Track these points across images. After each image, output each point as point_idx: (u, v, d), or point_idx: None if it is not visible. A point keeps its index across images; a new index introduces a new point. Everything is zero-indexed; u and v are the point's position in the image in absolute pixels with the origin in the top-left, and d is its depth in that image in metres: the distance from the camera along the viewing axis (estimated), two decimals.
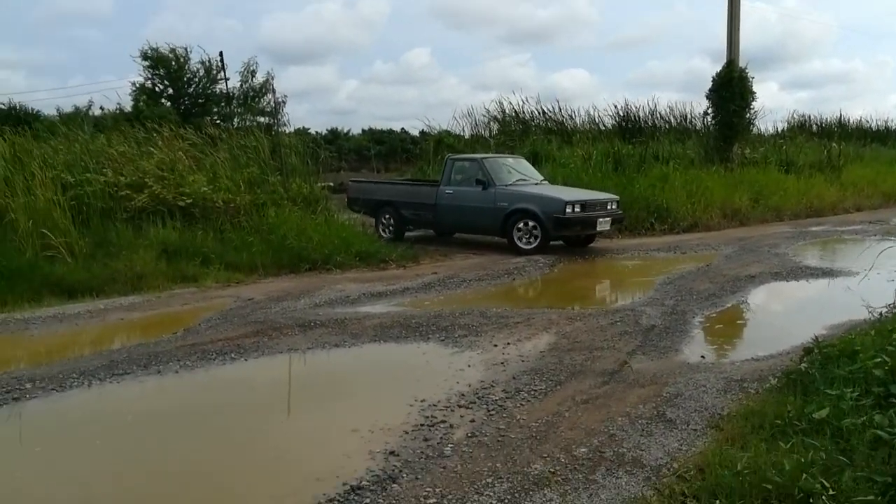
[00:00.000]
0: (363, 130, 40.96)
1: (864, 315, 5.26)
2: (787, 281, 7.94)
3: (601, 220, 9.91)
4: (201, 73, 23.43)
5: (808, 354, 4.34)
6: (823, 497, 2.57)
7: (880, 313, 5.19)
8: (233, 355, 5.09)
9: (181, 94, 23.80)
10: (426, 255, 10.04)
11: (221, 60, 18.96)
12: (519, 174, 10.78)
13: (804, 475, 2.79)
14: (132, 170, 10.02)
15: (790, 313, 6.78)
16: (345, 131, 40.27)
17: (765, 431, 3.35)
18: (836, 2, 72.41)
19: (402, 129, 39.15)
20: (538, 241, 9.72)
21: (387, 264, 9.30)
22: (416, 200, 11.18)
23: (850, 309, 5.74)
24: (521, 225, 9.84)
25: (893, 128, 31.66)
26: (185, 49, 23.52)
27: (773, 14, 61.54)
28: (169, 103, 23.81)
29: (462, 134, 20.83)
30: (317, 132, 38.90)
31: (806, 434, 3.25)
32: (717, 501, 2.71)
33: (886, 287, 6.11)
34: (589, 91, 56.76)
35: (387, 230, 11.54)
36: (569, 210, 9.49)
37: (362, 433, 3.66)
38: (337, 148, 42.57)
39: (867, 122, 30.54)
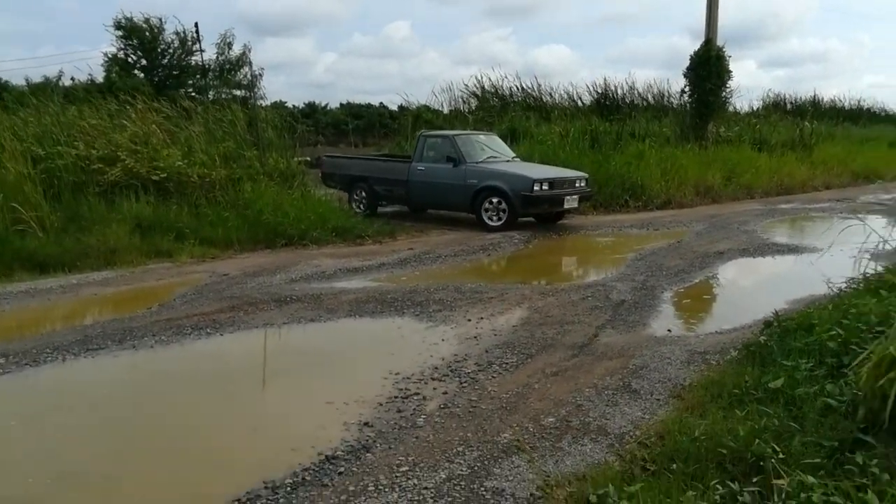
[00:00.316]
0: (341, 104, 40.60)
1: (825, 290, 5.46)
2: (754, 257, 8.15)
3: (569, 197, 10.01)
4: (176, 45, 22.95)
5: (768, 327, 4.51)
6: (773, 460, 2.71)
7: (839, 288, 5.38)
8: (208, 330, 5.13)
9: (155, 66, 23.27)
10: (402, 230, 10.08)
11: (197, 31, 18.63)
12: (491, 151, 10.83)
13: (757, 440, 2.93)
14: (104, 143, 9.86)
15: (755, 288, 6.98)
16: (323, 105, 39.86)
17: (723, 400, 3.51)
18: None
19: (381, 103, 38.85)
20: (505, 217, 9.81)
21: (363, 240, 9.34)
22: (389, 176, 11.22)
23: (812, 284, 5.93)
24: (489, 202, 9.92)
25: (865, 107, 32.33)
26: (160, 19, 22.99)
27: None
28: (142, 75, 23.30)
29: (441, 109, 20.79)
30: (294, 105, 38.44)
31: (761, 402, 3.41)
32: (675, 465, 2.84)
33: (847, 263, 6.29)
34: (570, 67, 56.82)
35: (360, 205, 11.56)
36: (536, 188, 9.57)
37: (337, 405, 3.75)
38: (314, 122, 42.15)
39: (840, 101, 31.10)
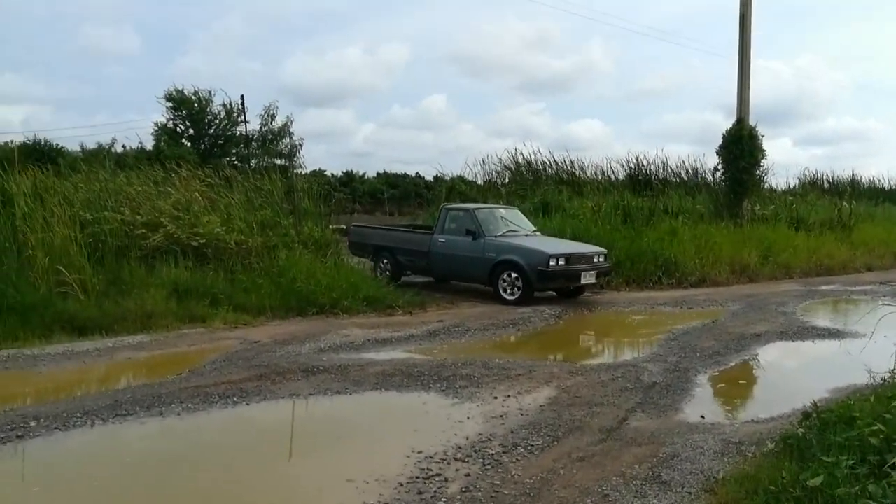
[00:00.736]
0: (378, 174, 41.67)
1: (867, 379, 5.26)
2: (793, 341, 7.91)
3: (585, 273, 10.04)
4: (222, 115, 24.11)
5: (807, 419, 4.33)
6: None
7: (883, 378, 5.17)
8: (235, 399, 5.15)
9: (202, 135, 24.39)
10: (433, 301, 10.11)
11: (242, 103, 19.57)
12: (511, 225, 10.96)
13: None
14: (149, 209, 10.27)
15: (793, 375, 6.74)
16: (360, 174, 40.99)
17: (759, 498, 3.35)
18: (849, 61, 73.38)
19: (417, 173, 39.76)
20: (520, 292, 9.85)
21: (393, 310, 9.38)
22: (412, 247, 11.44)
23: (853, 372, 5.71)
24: (505, 276, 10.00)
25: None
26: (209, 91, 24.25)
27: (787, 71, 62.45)
28: (189, 143, 24.40)
29: (476, 180, 21.13)
30: (332, 174, 39.61)
31: (799, 502, 3.25)
32: None
33: (890, 350, 6.08)
34: (603, 141, 57.61)
35: (384, 274, 11.68)
36: (552, 263, 9.63)
37: (357, 483, 3.69)
38: (352, 190, 43.26)
39: (880, 180, 30.69)
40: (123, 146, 22.27)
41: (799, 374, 6.76)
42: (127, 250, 9.45)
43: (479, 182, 20.91)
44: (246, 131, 22.37)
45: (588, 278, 10.11)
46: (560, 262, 9.74)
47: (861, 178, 29.50)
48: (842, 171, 37.21)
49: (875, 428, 3.78)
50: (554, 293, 10.60)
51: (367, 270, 11.10)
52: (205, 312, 8.21)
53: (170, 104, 23.48)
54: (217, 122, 24.27)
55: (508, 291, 9.97)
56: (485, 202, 16.38)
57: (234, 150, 24.54)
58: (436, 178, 25.00)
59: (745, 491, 3.44)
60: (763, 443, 4.24)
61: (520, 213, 12.12)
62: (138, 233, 9.74)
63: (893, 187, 30.84)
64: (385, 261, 11.80)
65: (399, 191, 41.68)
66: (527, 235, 10.85)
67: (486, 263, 10.18)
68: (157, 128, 23.80)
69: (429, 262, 11.13)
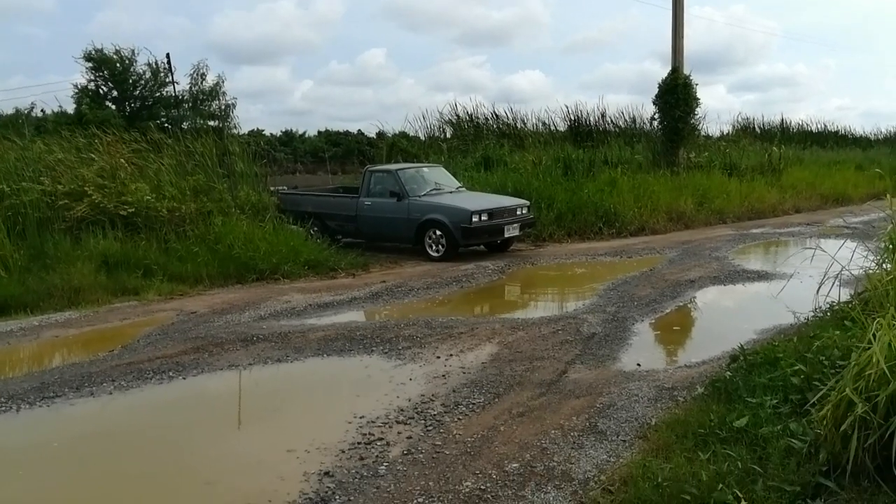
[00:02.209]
0: (319, 132, 40.64)
1: (791, 320, 5.50)
2: (725, 285, 8.21)
3: (509, 227, 10.22)
4: (148, 75, 22.90)
5: (734, 362, 4.52)
6: None
7: (806, 318, 5.42)
8: (170, 373, 5.01)
9: (126, 97, 23.16)
10: (376, 262, 10.04)
11: (168, 62, 18.57)
12: (435, 184, 10.97)
13: (720, 486, 2.91)
14: (71, 178, 9.75)
15: (725, 318, 7.00)
16: (300, 133, 39.87)
17: (688, 441, 3.48)
18: (780, 9, 75.01)
19: (359, 130, 38.98)
20: (444, 249, 9.99)
21: (336, 272, 9.27)
22: (340, 212, 11.33)
23: (780, 313, 5.95)
24: (431, 234, 10.09)
25: (832, 130, 33.11)
26: (132, 50, 22.91)
27: (721, 18, 63.39)
28: (114, 106, 23.15)
29: (418, 136, 20.85)
30: (271, 134, 38.43)
31: (725, 443, 3.39)
32: None
33: (814, 291, 6.36)
34: (545, 92, 57.45)
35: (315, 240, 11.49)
36: (475, 219, 9.75)
37: (298, 453, 3.65)
38: (293, 150, 42.12)
39: (808, 124, 31.83)
40: (43, 111, 20.96)
41: (730, 317, 7.02)
42: (50, 222, 8.99)
43: (422, 138, 20.69)
44: (174, 92, 21.39)
45: (512, 231, 10.30)
46: (483, 218, 9.86)
47: (790, 122, 30.57)
48: (773, 117, 38.49)
49: (796, 368, 3.97)
50: (484, 248, 10.74)
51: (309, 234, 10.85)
52: (137, 284, 7.92)
53: (90, 64, 22.12)
54: (143, 82, 23.05)
55: (433, 249, 10.09)
56: (427, 158, 16.22)
57: (163, 113, 23.42)
58: (378, 134, 24.57)
59: (675, 435, 3.56)
60: (694, 387, 4.40)
61: (444, 170, 12.14)
62: (61, 203, 9.27)
63: (821, 131, 32.11)
64: (315, 228, 11.57)
65: (341, 149, 40.84)
66: (451, 193, 10.86)
67: (411, 224, 10.27)
68: (77, 90, 22.46)
69: (357, 226, 11.11)
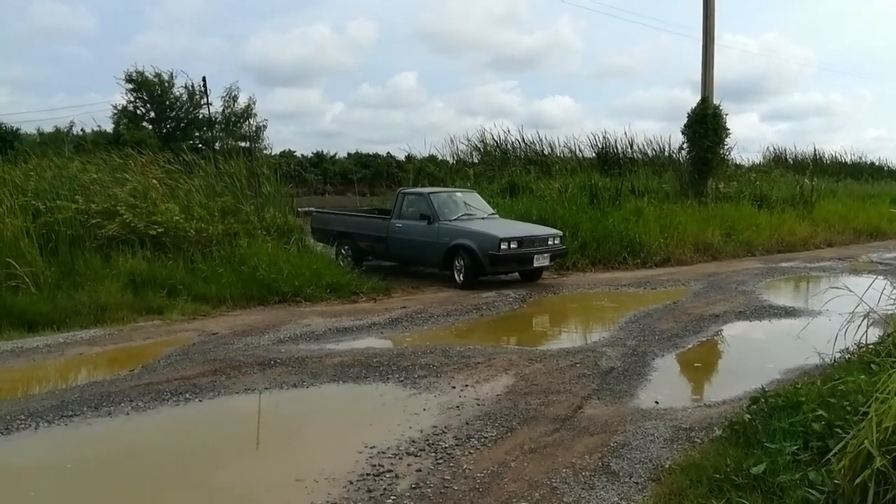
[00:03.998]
0: (349, 154, 41.20)
1: (817, 360, 5.35)
2: (750, 321, 8.04)
3: (539, 256, 10.04)
4: (184, 98, 23.51)
5: (755, 404, 4.40)
6: None
7: (833, 359, 5.27)
8: (187, 395, 5.06)
9: (163, 118, 23.80)
10: (398, 287, 10.06)
11: (204, 85, 19.07)
12: (467, 208, 10.91)
13: None
14: (105, 197, 10.01)
15: (749, 356, 6.84)
16: (331, 154, 40.47)
17: (703, 486, 3.39)
18: (814, 36, 74.30)
19: (388, 153, 39.43)
20: (468, 276, 9.83)
21: (357, 297, 9.32)
22: (371, 233, 11.36)
23: (806, 353, 5.78)
24: (459, 260, 9.96)
25: (868, 162, 32.45)
26: (170, 73, 23.59)
27: (754, 46, 62.97)
28: (150, 126, 23.80)
29: (446, 160, 20.98)
30: (303, 155, 39.07)
31: (741, 489, 3.29)
32: None
33: (841, 330, 6.19)
34: (574, 118, 57.61)
35: (345, 260, 11.57)
36: (503, 246, 9.59)
37: (307, 483, 3.65)
38: (322, 171, 42.74)
39: (842, 156, 31.28)
40: (82, 129, 21.63)
41: (754, 355, 6.85)
42: (81, 240, 9.21)
43: (451, 162, 20.81)
44: (209, 113, 21.88)
45: (541, 261, 10.12)
46: (512, 246, 9.70)
47: (823, 153, 30.12)
48: (806, 146, 37.92)
49: (818, 413, 3.85)
50: (517, 276, 10.62)
51: (330, 256, 10.96)
52: (162, 303, 8.04)
53: (130, 86, 22.83)
54: (179, 104, 23.66)
55: (461, 275, 9.98)
56: (453, 184, 16.30)
57: (197, 133, 23.99)
58: (407, 157, 24.83)
59: (689, 479, 3.47)
60: (712, 428, 4.30)
61: (478, 195, 12.08)
62: (93, 222, 9.51)
63: (855, 162, 31.52)
64: (346, 247, 11.69)
65: (370, 171, 41.30)
66: (482, 219, 10.73)
67: (440, 248, 10.17)
68: (116, 111, 23.17)
69: (387, 247, 11.09)
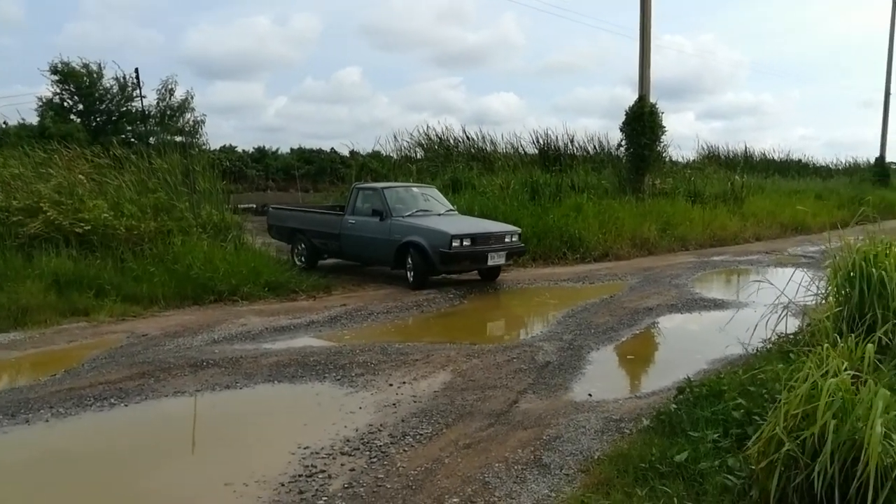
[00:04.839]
0: (292, 149, 40.44)
1: (741, 350, 5.57)
2: (682, 313, 8.31)
3: (494, 254, 9.58)
4: (115, 90, 22.56)
5: (681, 394, 4.55)
6: None
7: (756, 349, 5.50)
8: (112, 400, 4.87)
9: (92, 111, 22.76)
10: (339, 284, 9.95)
11: (137, 77, 18.27)
12: (423, 204, 10.52)
13: None
14: (27, 193, 9.55)
15: (679, 347, 7.06)
16: (273, 150, 39.64)
17: (629, 476, 3.48)
18: (748, 39, 77.27)
19: (332, 148, 38.88)
20: (418, 275, 9.48)
21: (297, 295, 9.17)
22: (325, 229, 11.00)
23: (732, 344, 6.00)
24: (412, 259, 9.56)
25: (794, 159, 34.10)
26: (99, 64, 22.56)
27: (690, 47, 65.03)
28: (79, 120, 22.73)
29: (390, 156, 20.86)
30: (244, 150, 38.12)
31: (665, 477, 3.40)
32: None
33: (765, 320, 6.46)
34: (518, 114, 57.96)
35: (301, 259, 11.35)
36: (455, 244, 9.13)
37: (236, 487, 3.57)
38: (265, 167, 41.82)
39: (771, 153, 32.76)
40: (6, 122, 20.47)
41: (684, 347, 7.07)
42: (1, 239, 8.78)
43: (396, 158, 20.70)
44: (142, 107, 21.05)
45: (497, 259, 9.69)
46: (465, 243, 9.26)
47: (754, 151, 31.48)
48: (737, 144, 39.54)
49: (738, 402, 4.01)
50: (478, 275, 10.31)
51: (270, 254, 10.72)
52: (89, 304, 7.72)
53: (56, 77, 21.72)
54: (109, 96, 22.68)
55: (412, 274, 9.62)
56: (395, 179, 16.22)
57: (129, 128, 23.05)
58: (351, 153, 24.56)
59: (616, 469, 3.56)
60: (640, 419, 4.42)
61: (437, 191, 11.66)
62: (14, 219, 9.07)
63: (783, 159, 33.05)
64: (301, 244, 11.37)
65: (314, 167, 40.69)
66: (439, 216, 10.28)
67: (391, 245, 9.73)
68: (41, 103, 22.00)
69: (340, 245, 10.72)
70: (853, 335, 3.50)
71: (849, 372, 2.96)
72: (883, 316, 4.80)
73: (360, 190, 10.93)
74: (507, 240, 9.94)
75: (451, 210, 10.91)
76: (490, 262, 9.68)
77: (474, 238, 9.45)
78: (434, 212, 10.43)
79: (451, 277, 10.40)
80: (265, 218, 12.86)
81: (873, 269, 4.71)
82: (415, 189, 11.35)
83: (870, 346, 3.08)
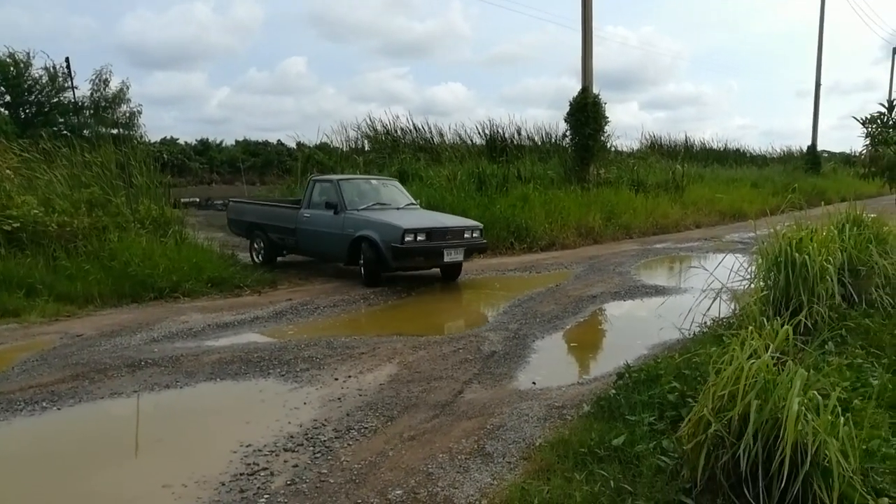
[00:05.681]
0: (237, 141, 39.61)
1: (678, 335, 5.75)
2: (625, 300, 8.53)
3: (451, 250, 9.12)
4: (45, 80, 21.55)
5: (620, 379, 4.68)
6: None
7: (692, 333, 5.69)
8: (44, 404, 4.69)
9: (20, 102, 21.71)
10: (285, 279, 9.82)
11: (68, 66, 17.44)
12: (382, 197, 10.17)
13: None
14: None
15: (620, 334, 7.25)
16: (217, 142, 38.73)
17: (569, 461, 3.56)
18: (687, 31, 79.39)
19: (279, 140, 38.23)
20: (371, 271, 9.14)
21: (241, 290, 9.01)
22: (281, 224, 10.61)
23: (670, 329, 6.19)
24: (362, 254, 9.20)
25: (732, 148, 35.37)
26: (28, 53, 21.51)
27: (632, 39, 66.39)
28: (6, 111, 21.67)
29: (339, 148, 20.59)
30: (186, 142, 37.07)
31: (603, 461, 3.50)
32: None
33: (702, 305, 6.69)
34: (467, 105, 58.38)
35: (258, 255, 11.07)
36: (408, 238, 8.69)
37: (174, 488, 3.49)
38: (209, 159, 40.75)
39: (711, 143, 33.88)
40: None
41: (625, 333, 7.26)
42: None
43: (344, 149, 20.46)
44: (74, 98, 20.16)
45: (454, 255, 9.18)
46: (419, 238, 8.81)
47: (694, 140, 32.48)
48: (679, 134, 40.69)
49: (673, 385, 4.16)
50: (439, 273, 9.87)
51: (214, 249, 10.45)
52: (19, 305, 7.40)
53: None
54: (38, 87, 21.67)
55: (364, 271, 9.29)
56: (342, 171, 16.04)
57: (60, 120, 22.09)
58: (298, 145, 24.15)
59: (557, 455, 3.64)
60: (582, 405, 4.52)
61: (398, 184, 11.28)
62: None
63: (721, 149, 34.23)
64: (259, 240, 11.04)
65: (260, 159, 39.93)
66: (397, 209, 9.85)
67: (344, 240, 9.34)
68: None
69: (296, 240, 10.33)
70: (778, 318, 3.66)
71: (774, 354, 3.11)
72: (808, 300, 5.06)
73: (318, 182, 10.52)
74: (466, 235, 9.48)
75: (413, 204, 10.45)
76: (447, 259, 9.18)
77: (429, 232, 9.00)
78: (392, 205, 10.04)
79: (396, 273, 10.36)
80: (212, 210, 12.54)
81: (797, 255, 4.93)
82: (374, 181, 10.97)
83: (787, 327, 3.23)
